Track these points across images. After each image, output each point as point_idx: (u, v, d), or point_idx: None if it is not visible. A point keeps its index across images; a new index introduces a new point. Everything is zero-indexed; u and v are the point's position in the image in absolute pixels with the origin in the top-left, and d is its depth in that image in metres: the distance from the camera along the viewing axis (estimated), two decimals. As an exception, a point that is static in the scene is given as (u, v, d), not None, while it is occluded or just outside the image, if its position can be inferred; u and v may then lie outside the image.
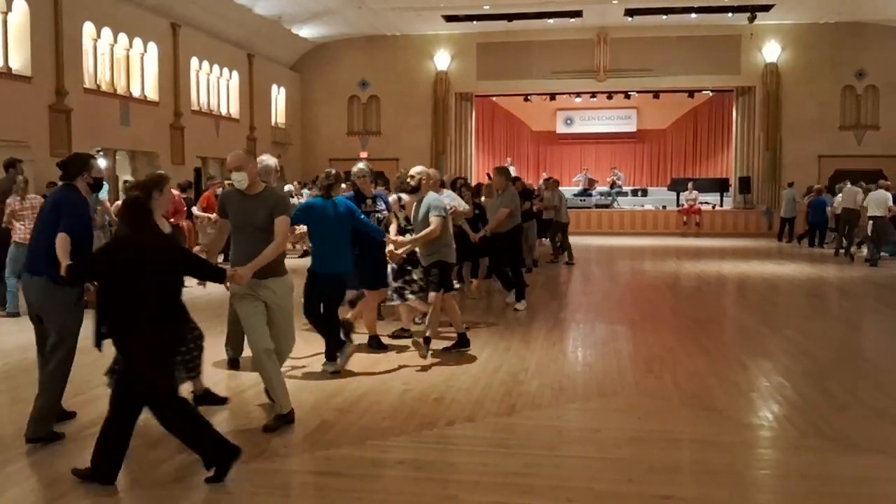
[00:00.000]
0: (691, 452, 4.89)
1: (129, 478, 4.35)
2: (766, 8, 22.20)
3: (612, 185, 27.46)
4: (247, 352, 5.67)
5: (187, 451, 4.83)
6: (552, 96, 27.87)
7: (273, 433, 5.09)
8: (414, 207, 7.32)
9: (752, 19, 22.49)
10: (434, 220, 7.04)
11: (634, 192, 27.44)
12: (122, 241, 4.40)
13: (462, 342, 7.55)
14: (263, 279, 5.14)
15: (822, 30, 24.26)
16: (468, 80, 25.94)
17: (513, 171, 23.42)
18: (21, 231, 9.39)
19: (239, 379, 6.32)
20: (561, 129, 30.98)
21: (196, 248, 7.21)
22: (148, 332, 4.22)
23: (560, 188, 16.16)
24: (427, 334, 7.17)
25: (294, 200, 8.93)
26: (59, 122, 14.44)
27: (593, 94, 26.87)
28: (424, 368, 6.87)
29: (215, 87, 21.16)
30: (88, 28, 15.60)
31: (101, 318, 4.28)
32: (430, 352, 7.13)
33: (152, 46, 17.65)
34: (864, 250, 16.77)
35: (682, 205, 24.79)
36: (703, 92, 27.02)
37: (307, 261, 7.01)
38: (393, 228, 7.59)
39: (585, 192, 26.36)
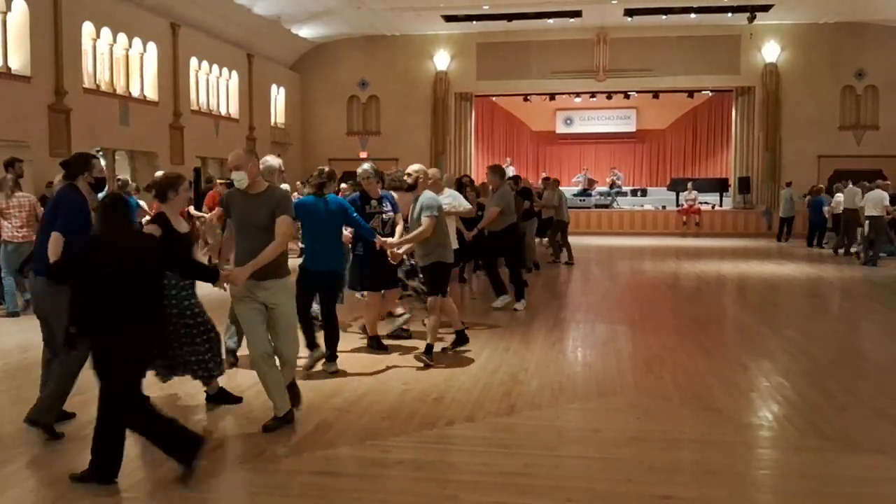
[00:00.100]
0: (691, 452, 4.89)
1: (129, 478, 4.35)
2: (766, 8, 22.20)
3: (612, 185, 27.47)
4: (245, 351, 5.65)
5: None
6: (552, 96, 27.87)
7: (272, 433, 5.08)
8: (411, 206, 7.28)
9: (751, 19, 22.50)
10: (425, 221, 6.94)
11: (634, 193, 27.46)
12: (97, 240, 4.36)
13: (460, 339, 7.48)
14: (262, 280, 5.05)
15: (821, 30, 24.27)
16: (468, 80, 25.94)
17: (512, 171, 23.48)
18: (9, 230, 9.41)
19: (239, 379, 6.31)
20: (560, 129, 30.99)
21: (204, 250, 7.16)
22: (119, 333, 4.15)
23: (560, 188, 16.14)
24: (428, 341, 7.07)
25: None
26: (58, 121, 14.43)
27: (593, 94, 26.87)
28: (424, 368, 6.86)
29: (215, 86, 21.15)
30: (88, 28, 15.60)
31: (72, 319, 4.24)
32: (432, 360, 7.00)
33: (152, 46, 17.65)
34: (858, 250, 16.81)
35: (682, 205, 24.80)
36: (703, 92, 27.02)
37: (306, 260, 7.00)
38: (399, 229, 7.44)
39: (585, 193, 26.37)
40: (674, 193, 25.82)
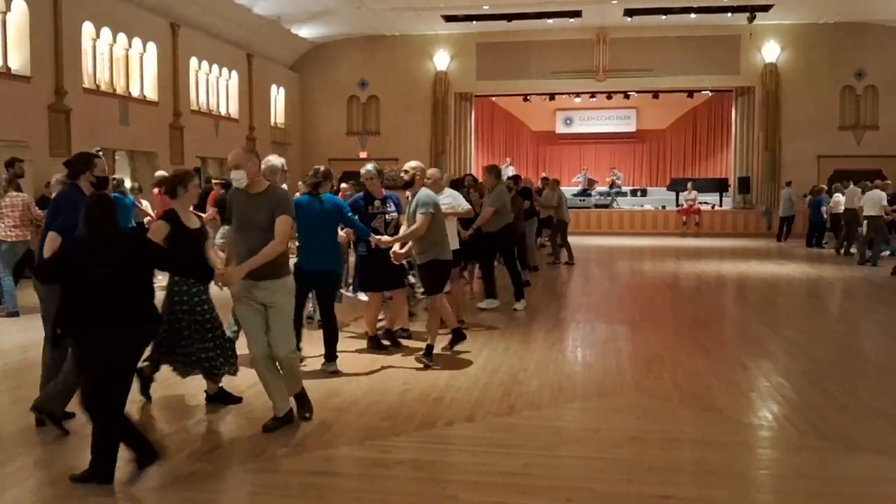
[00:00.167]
0: (691, 452, 4.89)
1: (129, 478, 4.35)
2: (766, 8, 22.20)
3: (612, 185, 27.48)
4: (244, 350, 5.65)
5: (188, 450, 4.84)
6: (551, 96, 27.87)
7: (272, 433, 5.08)
8: (408, 204, 7.23)
9: (751, 19, 22.50)
10: (419, 218, 6.87)
11: (634, 193, 27.46)
12: (79, 240, 4.34)
13: (456, 337, 7.37)
14: (260, 280, 4.99)
15: (821, 30, 24.26)
16: (467, 80, 25.93)
17: (512, 171, 23.48)
18: (2, 229, 9.43)
19: (239, 379, 6.31)
20: (560, 129, 31.00)
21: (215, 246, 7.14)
22: (103, 333, 4.13)
23: (560, 188, 16.13)
24: (428, 342, 7.04)
25: None
26: (58, 121, 14.43)
27: (593, 94, 26.87)
28: (424, 369, 6.86)
29: (214, 86, 21.14)
30: (88, 28, 15.59)
31: (57, 319, 4.23)
32: (432, 361, 6.95)
33: (151, 46, 17.64)
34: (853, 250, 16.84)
35: (682, 205, 24.80)
36: (703, 92, 27.02)
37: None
38: (403, 229, 7.40)
39: (585, 193, 26.37)
40: (674, 193, 25.82)
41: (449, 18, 23.61)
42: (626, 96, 26.85)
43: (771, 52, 24.60)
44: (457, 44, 25.70)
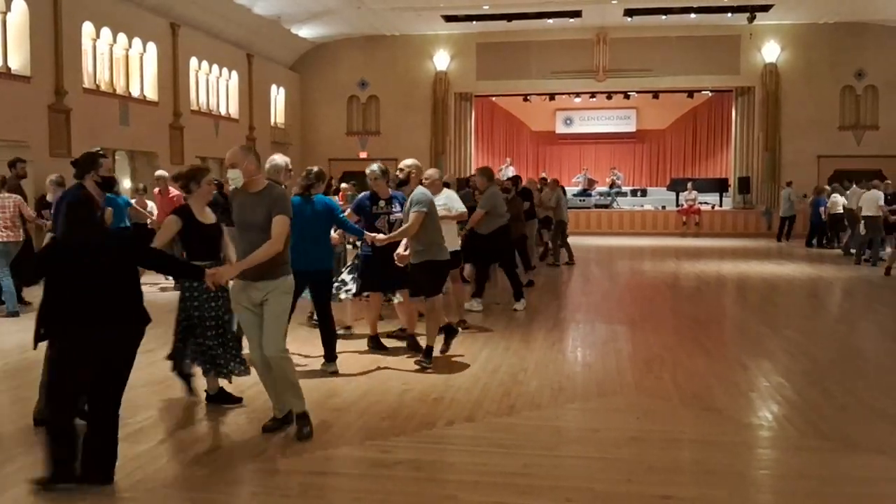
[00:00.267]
0: (691, 452, 4.89)
1: (129, 478, 4.35)
2: (766, 8, 22.20)
3: (612, 185, 27.48)
4: (244, 350, 5.66)
5: (188, 450, 4.84)
6: (551, 96, 27.88)
7: (272, 433, 5.07)
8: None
9: (751, 19, 22.50)
10: (412, 217, 6.81)
11: (634, 193, 27.47)
12: (58, 241, 4.32)
13: (449, 332, 7.28)
14: (256, 281, 4.91)
15: (821, 30, 24.27)
16: (467, 80, 25.93)
17: (512, 171, 23.46)
18: None
19: (239, 378, 6.30)
20: (560, 129, 31.01)
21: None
22: (82, 333, 4.11)
23: (559, 188, 16.10)
24: (427, 343, 6.98)
25: None
26: (58, 121, 14.42)
27: (593, 95, 26.87)
28: (422, 371, 6.85)
29: (214, 86, 21.15)
30: (88, 28, 15.59)
31: (40, 319, 4.22)
32: (431, 363, 6.90)
33: (151, 46, 17.64)
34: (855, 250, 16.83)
35: (682, 205, 24.80)
36: (703, 92, 27.03)
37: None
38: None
39: (585, 193, 26.37)
40: (674, 193, 25.82)
41: (449, 18, 23.61)
42: (626, 96, 26.85)
43: (771, 52, 24.61)
44: (457, 44, 25.70)
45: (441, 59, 25.89)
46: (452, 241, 8.19)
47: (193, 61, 19.67)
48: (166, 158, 17.97)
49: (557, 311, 10.23)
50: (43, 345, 5.22)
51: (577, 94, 27.36)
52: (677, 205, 25.21)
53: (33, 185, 12.45)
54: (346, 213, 7.61)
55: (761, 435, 5.28)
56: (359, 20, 23.85)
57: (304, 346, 7.52)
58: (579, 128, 30.85)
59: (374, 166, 7.51)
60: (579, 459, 4.77)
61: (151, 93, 17.78)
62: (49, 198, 10.09)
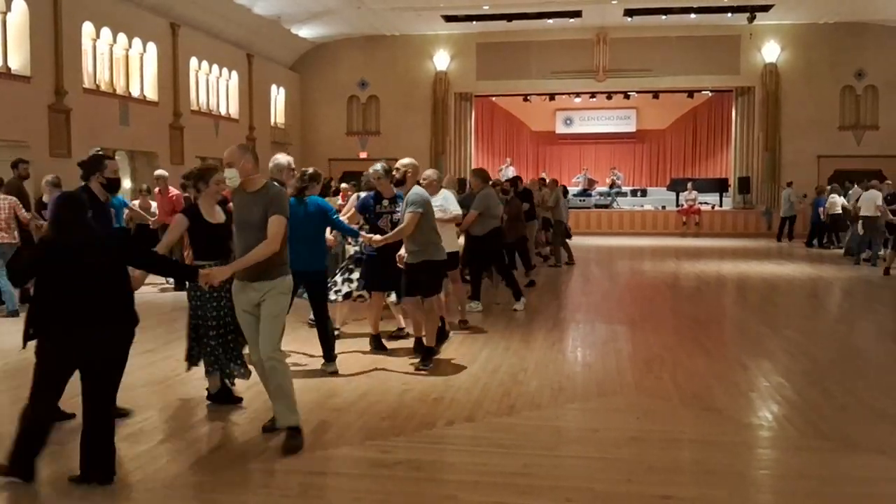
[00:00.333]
0: (691, 452, 4.89)
1: (129, 478, 4.35)
2: (766, 8, 22.20)
3: (612, 185, 27.49)
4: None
5: (187, 450, 4.84)
6: (551, 96, 27.87)
7: (272, 433, 5.06)
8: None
9: (751, 19, 22.49)
10: (407, 217, 6.77)
11: (634, 193, 27.47)
12: (46, 241, 4.31)
13: (439, 338, 7.27)
14: (253, 281, 4.85)
15: (821, 30, 24.26)
16: (467, 80, 25.93)
17: (513, 172, 23.47)
18: None
19: (237, 379, 6.31)
20: (560, 129, 31.00)
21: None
22: (69, 333, 4.11)
23: (558, 187, 16.10)
24: (426, 344, 6.97)
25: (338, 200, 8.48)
26: (58, 121, 14.42)
27: (593, 95, 26.86)
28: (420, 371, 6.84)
29: (215, 86, 21.14)
30: (88, 28, 15.58)
31: (29, 319, 4.24)
32: (431, 365, 6.87)
33: (151, 46, 17.64)
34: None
35: (682, 205, 24.80)
36: (703, 92, 27.01)
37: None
38: None
39: (585, 193, 26.38)
40: (674, 193, 25.82)
41: (449, 18, 23.60)
42: (626, 96, 26.84)
43: (771, 52, 24.60)
44: (457, 44, 25.70)
45: (441, 59, 25.88)
46: (451, 241, 8.18)
47: (193, 61, 19.66)
48: (166, 158, 17.97)
49: (557, 311, 10.23)
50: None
51: (577, 94, 27.35)
52: (677, 205, 25.21)
53: (33, 186, 12.44)
54: (350, 213, 7.60)
55: (761, 435, 5.28)
56: (359, 20, 23.85)
57: (304, 346, 7.53)
58: (579, 128, 30.84)
59: (378, 165, 7.50)
60: (579, 459, 4.77)
61: (151, 93, 17.77)
62: (45, 198, 10.11)
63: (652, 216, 25.02)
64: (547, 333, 8.61)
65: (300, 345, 7.54)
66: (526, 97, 27.30)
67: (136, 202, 12.56)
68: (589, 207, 25.37)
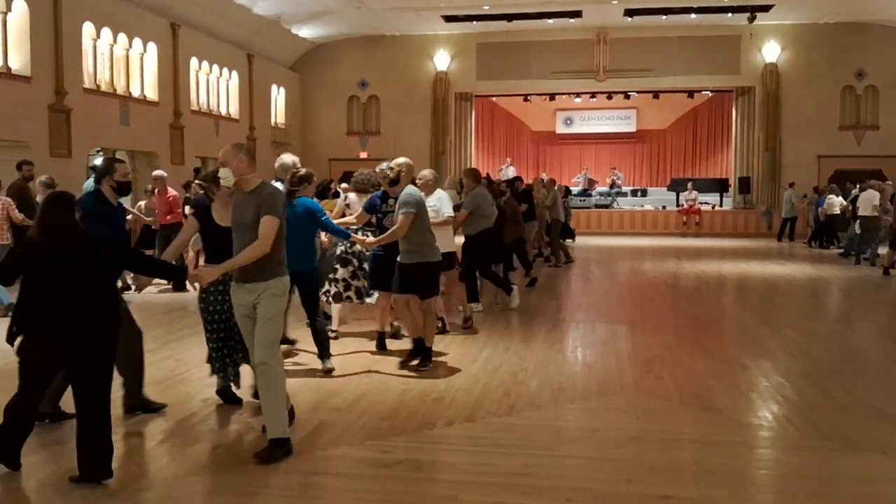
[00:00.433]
0: (691, 452, 4.89)
1: (129, 477, 4.35)
2: (766, 8, 22.21)
3: (612, 185, 27.49)
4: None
5: (188, 450, 4.84)
6: (552, 96, 27.88)
7: (272, 433, 5.07)
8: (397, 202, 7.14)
9: (751, 19, 22.51)
10: (400, 218, 6.71)
11: (634, 193, 27.48)
12: (30, 242, 4.31)
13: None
14: (246, 283, 4.76)
15: (821, 30, 24.27)
16: (468, 81, 25.94)
17: (513, 172, 23.47)
18: None
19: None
20: (560, 129, 31.00)
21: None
22: (52, 333, 4.13)
23: (556, 187, 16.10)
24: (426, 345, 6.92)
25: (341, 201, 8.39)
26: (58, 122, 14.43)
27: (593, 95, 26.88)
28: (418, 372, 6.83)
29: (215, 86, 21.15)
30: (88, 28, 15.60)
31: (14, 317, 4.26)
32: (431, 366, 6.84)
33: (152, 46, 17.65)
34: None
35: (682, 205, 24.81)
36: (703, 92, 27.02)
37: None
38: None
39: (585, 193, 26.37)
40: (674, 193, 25.83)
41: (449, 18, 23.61)
42: (627, 96, 26.85)
43: (771, 52, 24.61)
44: (457, 44, 25.71)
45: (441, 59, 25.89)
46: (447, 242, 8.14)
47: (194, 61, 19.68)
48: (166, 158, 17.98)
49: (557, 311, 10.23)
50: None
51: (578, 95, 27.37)
52: (677, 205, 25.21)
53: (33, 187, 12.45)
54: (357, 213, 7.58)
55: (761, 435, 5.27)
56: (359, 20, 23.86)
57: (304, 346, 7.52)
58: (579, 128, 30.84)
59: (384, 165, 7.48)
60: (579, 459, 4.77)
61: (152, 93, 17.78)
62: (39, 199, 10.12)
63: (652, 216, 25.02)
64: (547, 333, 8.61)
65: (300, 345, 7.55)
66: (526, 97, 27.31)
67: (143, 203, 12.56)
68: (589, 207, 25.37)
